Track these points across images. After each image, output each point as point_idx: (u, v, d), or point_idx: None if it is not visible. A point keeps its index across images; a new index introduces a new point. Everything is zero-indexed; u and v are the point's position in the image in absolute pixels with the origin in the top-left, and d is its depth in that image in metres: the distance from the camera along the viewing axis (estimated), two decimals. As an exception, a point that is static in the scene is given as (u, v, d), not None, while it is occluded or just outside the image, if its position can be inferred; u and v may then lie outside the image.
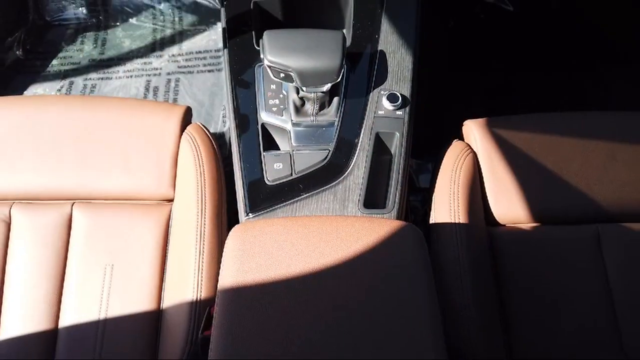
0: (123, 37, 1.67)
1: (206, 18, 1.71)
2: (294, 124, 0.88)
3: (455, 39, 1.69)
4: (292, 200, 0.81)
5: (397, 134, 0.86)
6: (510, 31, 1.68)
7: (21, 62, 1.59)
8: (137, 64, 1.61)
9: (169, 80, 1.56)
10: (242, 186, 0.83)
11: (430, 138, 1.03)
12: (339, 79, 0.83)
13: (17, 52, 1.59)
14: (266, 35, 0.82)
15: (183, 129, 0.91)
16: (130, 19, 1.70)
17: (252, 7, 0.99)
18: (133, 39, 1.66)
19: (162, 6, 1.71)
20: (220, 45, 1.61)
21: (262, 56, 0.82)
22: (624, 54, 1.67)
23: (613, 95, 1.59)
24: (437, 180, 0.89)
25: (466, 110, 1.06)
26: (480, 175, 0.89)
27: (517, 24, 1.67)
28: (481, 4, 1.65)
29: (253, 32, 0.98)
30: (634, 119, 0.95)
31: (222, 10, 1.01)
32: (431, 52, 1.35)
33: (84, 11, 1.69)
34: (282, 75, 0.82)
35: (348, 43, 0.96)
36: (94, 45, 1.64)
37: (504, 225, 0.89)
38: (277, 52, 0.80)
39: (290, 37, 0.82)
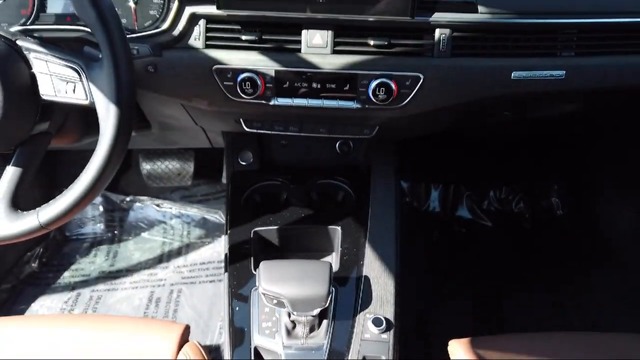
0: (134, 250, 1.81)
1: (212, 231, 1.88)
2: (285, 347, 0.93)
3: (440, 252, 1.83)
4: None
5: (384, 358, 0.90)
6: (490, 245, 1.83)
7: (35, 275, 1.70)
8: (143, 275, 1.71)
9: (171, 291, 1.64)
10: None
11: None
12: (327, 305, 0.91)
13: (33, 265, 1.71)
14: (262, 266, 0.92)
15: (180, 346, 0.96)
16: (143, 233, 1.87)
17: (251, 235, 1.12)
18: (143, 252, 1.80)
19: (173, 221, 1.89)
20: (223, 256, 1.74)
21: (257, 284, 0.92)
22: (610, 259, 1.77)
23: (594, 308, 1.64)
24: None
25: (453, 327, 1.12)
26: None
27: (497, 238, 1.83)
28: (459, 221, 1.84)
29: (252, 258, 1.09)
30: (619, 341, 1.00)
31: (225, 238, 1.15)
32: (417, 266, 1.46)
33: (102, 227, 1.87)
34: (275, 301, 0.90)
35: (336, 268, 1.07)
36: (106, 257, 1.78)
37: None
38: (271, 282, 0.89)
39: (283, 268, 0.93)
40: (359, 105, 1.01)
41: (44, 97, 0.78)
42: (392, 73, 0.97)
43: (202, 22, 1.00)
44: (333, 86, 1.00)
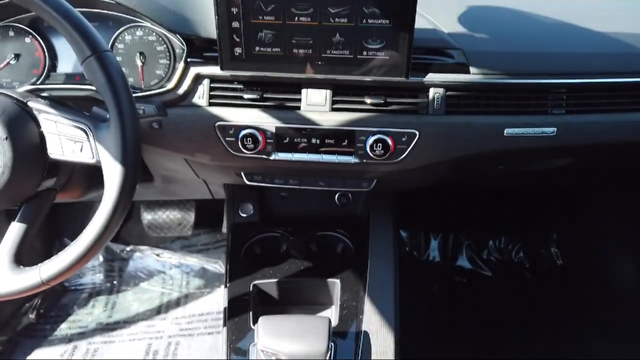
0: (132, 301, 1.79)
1: (211, 281, 1.87)
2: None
3: (440, 302, 1.81)
4: None
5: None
6: (491, 294, 1.82)
7: (32, 326, 1.68)
8: (141, 326, 1.69)
9: (169, 344, 1.62)
10: None
11: None
12: None
13: (31, 316, 1.70)
14: (261, 321, 0.92)
15: None
16: (142, 283, 1.86)
17: (251, 288, 1.13)
18: (141, 302, 1.78)
19: (172, 271, 1.89)
20: (222, 308, 1.73)
21: (256, 339, 0.92)
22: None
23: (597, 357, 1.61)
24: None
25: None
26: None
27: (497, 288, 1.82)
28: (459, 270, 1.84)
29: (250, 312, 1.09)
30: None
31: (224, 290, 1.15)
32: (417, 317, 1.45)
33: (101, 277, 1.86)
34: (274, 358, 0.90)
35: (335, 322, 1.06)
36: (104, 309, 1.76)
37: None
38: (270, 338, 0.89)
39: (282, 323, 0.93)
40: (357, 160, 1.04)
41: (52, 156, 0.81)
42: (388, 129, 1.01)
43: (206, 81, 1.05)
44: (332, 142, 1.04)
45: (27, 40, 1.13)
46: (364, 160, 1.04)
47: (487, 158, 1.10)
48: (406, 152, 1.02)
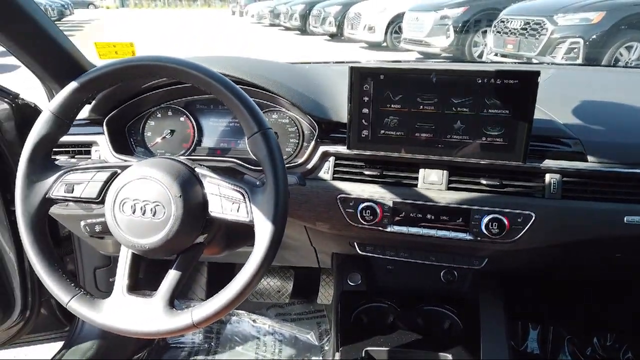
0: (228, 363, 1.86)
1: (302, 351, 1.90)
2: None
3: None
4: None
5: None
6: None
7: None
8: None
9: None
10: None
11: None
12: None
13: (138, 369, 1.81)
14: None
15: None
16: (237, 347, 1.93)
17: (363, 354, 1.16)
18: (236, 369, 1.85)
19: (266, 338, 1.95)
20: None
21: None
22: None
23: None
24: None
25: None
26: None
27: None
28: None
29: None
30: None
31: (337, 355, 1.19)
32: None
33: (200, 337, 1.96)
34: None
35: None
36: (202, 369, 1.84)
37: None
38: None
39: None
40: (471, 237, 1.09)
41: (212, 214, 0.93)
42: (504, 210, 1.06)
43: (331, 158, 1.18)
44: (446, 218, 1.10)
45: (182, 119, 1.34)
46: (478, 238, 1.08)
47: (604, 244, 1.10)
48: (521, 233, 1.05)
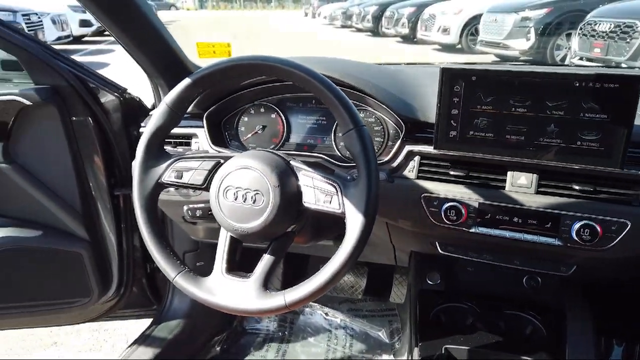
0: (300, 352, 1.93)
1: (373, 348, 1.93)
2: None
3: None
4: None
5: None
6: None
7: (216, 358, 1.90)
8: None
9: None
10: None
11: None
12: None
13: (217, 349, 1.93)
14: None
15: None
16: (309, 338, 2.00)
17: (442, 351, 1.17)
18: (308, 355, 1.91)
19: (338, 331, 2.00)
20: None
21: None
22: None
23: None
24: None
25: None
26: None
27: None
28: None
29: None
30: None
31: (415, 350, 1.21)
32: None
33: (275, 325, 2.05)
34: None
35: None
36: (276, 354, 1.92)
37: None
38: None
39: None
40: (560, 243, 1.07)
41: (306, 205, 0.99)
42: (597, 217, 1.03)
43: (417, 158, 1.20)
44: (534, 222, 1.09)
45: (273, 116, 1.41)
46: (568, 244, 1.06)
47: None
48: (615, 241, 1.02)
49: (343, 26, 16.08)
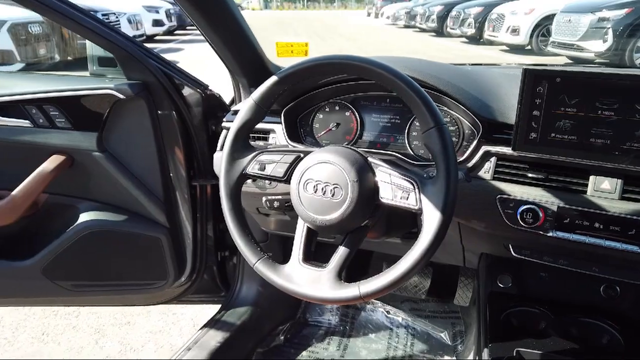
0: (361, 347, 1.96)
1: (435, 349, 1.92)
2: None
3: None
4: None
5: None
6: None
7: (279, 347, 1.97)
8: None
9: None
10: None
11: None
12: None
13: (281, 338, 1.99)
14: None
15: None
16: (370, 334, 2.02)
17: (514, 353, 1.16)
18: (369, 351, 1.94)
19: (399, 330, 2.01)
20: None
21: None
22: None
23: None
24: None
25: None
26: None
27: None
28: None
29: None
30: None
31: (485, 351, 1.20)
32: None
33: (337, 319, 2.09)
34: None
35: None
36: (337, 348, 1.96)
37: None
38: None
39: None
40: (644, 251, 1.03)
41: (383, 200, 1.02)
42: None
43: (493, 159, 1.20)
44: (617, 229, 1.06)
45: (347, 114, 1.45)
46: None
47: None
48: None
49: (406, 26, 15.93)
